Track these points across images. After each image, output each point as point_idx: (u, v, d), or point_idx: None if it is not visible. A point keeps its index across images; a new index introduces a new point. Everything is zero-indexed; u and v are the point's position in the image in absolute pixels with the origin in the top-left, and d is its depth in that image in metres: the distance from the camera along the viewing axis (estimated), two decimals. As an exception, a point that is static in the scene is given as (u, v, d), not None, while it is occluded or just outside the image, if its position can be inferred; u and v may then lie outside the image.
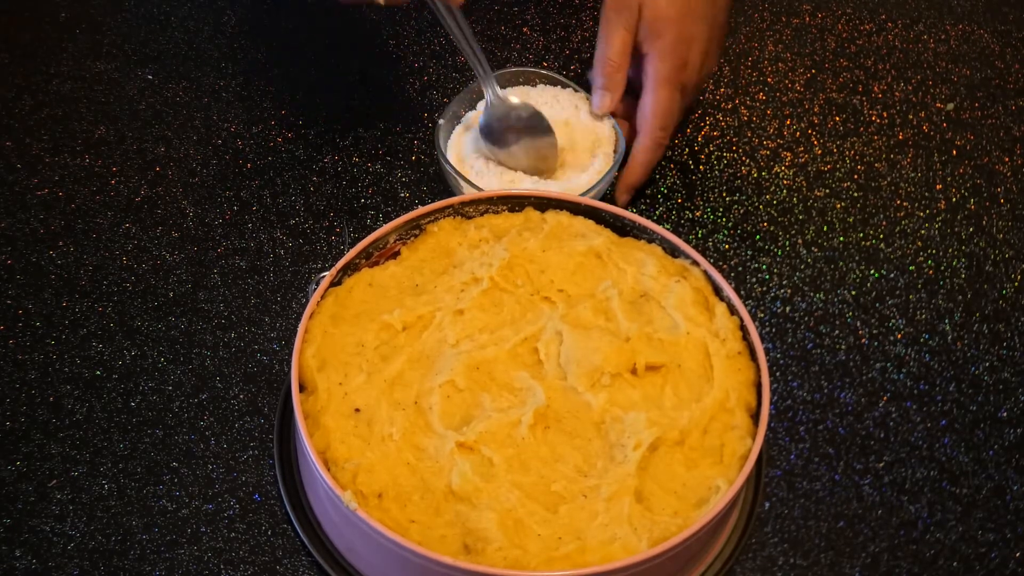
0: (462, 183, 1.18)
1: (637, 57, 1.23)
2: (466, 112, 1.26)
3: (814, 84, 1.40)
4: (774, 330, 1.18)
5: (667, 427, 0.96)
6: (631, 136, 1.24)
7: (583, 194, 1.15)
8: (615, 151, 1.22)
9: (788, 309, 1.19)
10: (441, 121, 1.23)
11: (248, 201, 1.25)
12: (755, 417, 0.99)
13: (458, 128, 1.25)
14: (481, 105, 1.24)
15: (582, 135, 1.23)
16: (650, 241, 1.10)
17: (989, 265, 1.24)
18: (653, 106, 1.21)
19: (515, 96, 1.23)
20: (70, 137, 1.29)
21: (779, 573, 1.03)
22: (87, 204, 1.23)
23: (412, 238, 1.09)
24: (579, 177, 1.21)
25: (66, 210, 1.23)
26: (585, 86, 1.26)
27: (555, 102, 1.26)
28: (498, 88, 1.21)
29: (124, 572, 1.00)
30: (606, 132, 1.24)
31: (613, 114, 1.24)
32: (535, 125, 1.20)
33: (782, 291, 1.21)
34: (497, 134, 1.20)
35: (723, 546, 1.02)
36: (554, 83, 1.27)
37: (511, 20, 1.45)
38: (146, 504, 1.04)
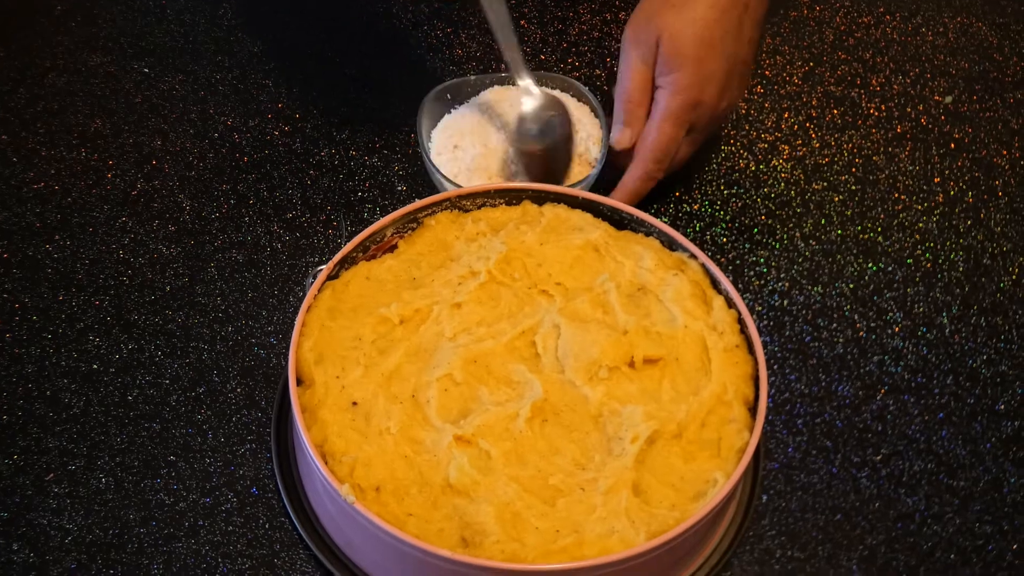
0: (443, 180, 1.18)
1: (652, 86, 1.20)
2: (447, 109, 1.26)
3: (812, 77, 1.40)
4: (772, 323, 1.18)
5: (665, 420, 0.96)
6: (626, 162, 1.22)
7: (576, 185, 1.16)
8: (600, 145, 1.22)
9: (786, 302, 1.19)
10: (423, 111, 1.23)
11: (245, 195, 1.25)
12: (753, 410, 0.99)
13: (441, 124, 1.25)
14: (466, 98, 1.26)
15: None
16: (648, 234, 1.10)
17: (987, 258, 1.24)
18: (654, 141, 1.18)
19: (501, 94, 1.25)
20: (66, 131, 1.29)
21: (776, 566, 1.03)
22: (83, 198, 1.23)
23: (409, 232, 1.09)
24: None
25: (62, 204, 1.23)
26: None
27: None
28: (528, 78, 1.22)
29: (122, 565, 1.00)
30: (589, 127, 1.24)
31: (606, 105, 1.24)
32: (564, 131, 1.21)
33: (780, 284, 1.21)
34: (535, 127, 1.21)
35: (720, 539, 1.02)
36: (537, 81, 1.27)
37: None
38: (144, 498, 1.03)
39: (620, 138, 1.20)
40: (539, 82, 1.25)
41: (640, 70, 1.18)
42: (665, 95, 1.18)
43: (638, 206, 1.22)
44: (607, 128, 1.21)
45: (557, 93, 1.26)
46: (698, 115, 1.19)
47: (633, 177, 1.19)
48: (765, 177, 1.30)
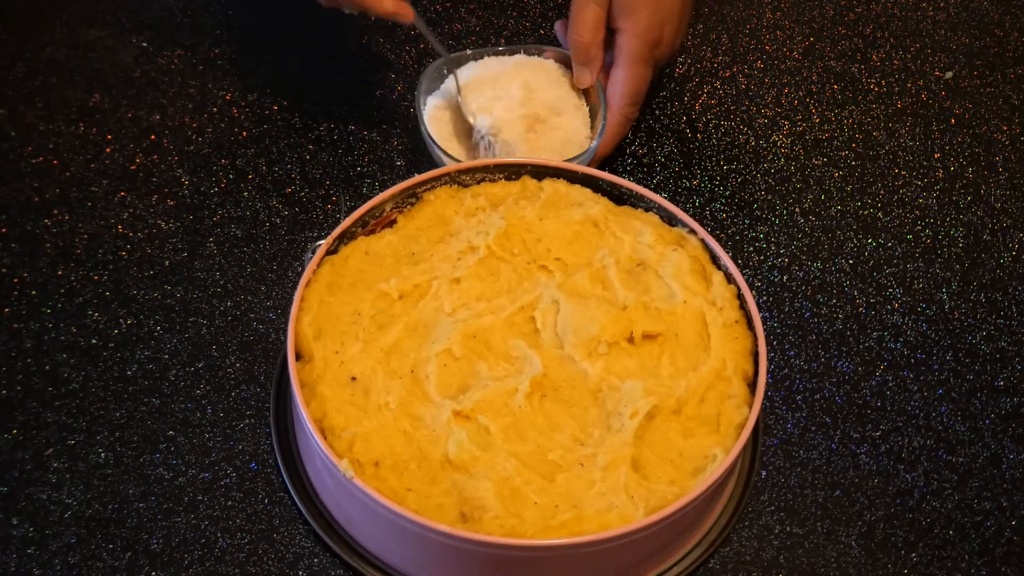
0: (442, 155, 1.18)
1: (610, 30, 1.22)
2: (441, 83, 1.25)
3: (812, 52, 1.40)
4: (771, 299, 1.18)
5: (664, 396, 0.96)
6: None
7: (572, 160, 1.15)
8: (600, 119, 1.22)
9: (785, 278, 1.19)
10: (421, 88, 1.23)
11: (244, 169, 1.24)
12: (752, 386, 0.99)
13: (434, 98, 1.24)
14: (462, 72, 1.25)
15: (565, 104, 1.23)
16: (647, 210, 1.10)
17: (987, 234, 1.24)
18: (625, 84, 1.21)
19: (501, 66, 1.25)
20: (64, 105, 1.29)
21: (775, 542, 1.03)
22: (82, 172, 1.23)
23: (408, 206, 1.09)
24: (561, 146, 1.21)
25: (61, 178, 1.22)
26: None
27: (542, 71, 1.26)
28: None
29: (121, 540, 1.00)
30: (588, 100, 1.24)
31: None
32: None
33: (779, 260, 1.20)
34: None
35: (720, 515, 1.02)
36: (539, 53, 1.27)
37: (508, -13, 1.44)
38: (143, 472, 1.04)
39: (580, 78, 1.23)
40: (539, 55, 1.27)
41: (593, 10, 1.21)
42: (628, 37, 1.21)
43: (637, 178, 1.22)
44: (604, 102, 1.21)
45: (555, 65, 1.26)
46: (660, 52, 1.23)
47: (613, 123, 1.22)
48: (765, 152, 1.29)
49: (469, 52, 1.26)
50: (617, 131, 1.22)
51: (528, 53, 1.27)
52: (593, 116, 1.23)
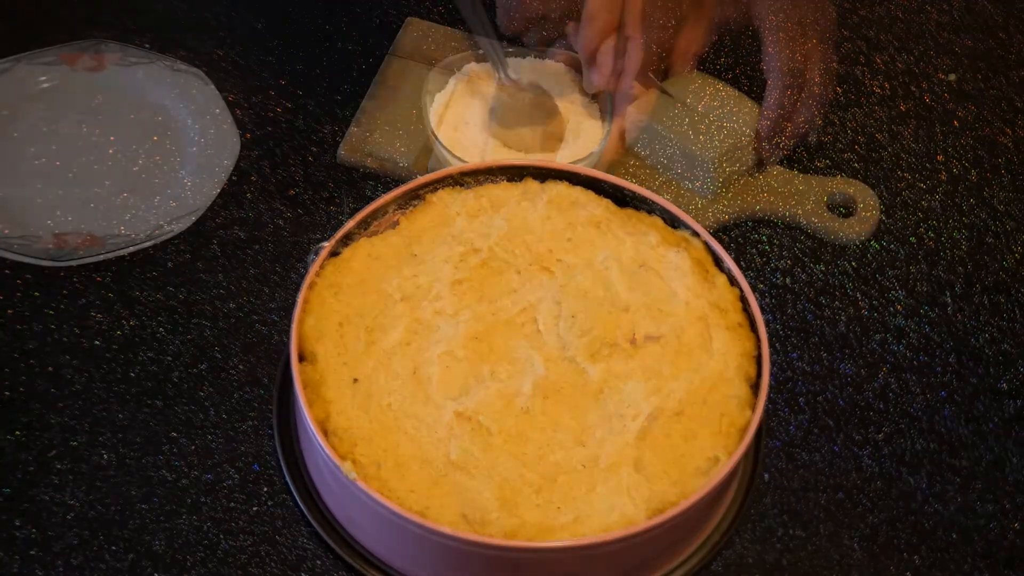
0: (447, 155, 1.18)
1: (622, 36, 1.22)
2: (449, 80, 1.26)
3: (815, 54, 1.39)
4: (774, 301, 1.17)
5: (666, 398, 0.96)
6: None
7: (577, 163, 1.15)
8: (605, 121, 1.22)
9: (788, 280, 1.19)
10: (429, 87, 1.23)
11: (247, 171, 1.24)
12: (755, 388, 0.99)
13: (440, 98, 1.25)
14: (467, 72, 1.27)
15: (574, 109, 1.23)
16: (650, 211, 1.10)
17: (990, 237, 1.24)
18: (632, 91, 1.21)
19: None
20: (66, 105, 1.28)
21: (778, 544, 1.03)
22: (84, 173, 1.23)
23: (411, 208, 1.09)
24: (567, 148, 1.21)
25: (63, 179, 1.22)
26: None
27: (544, 74, 1.26)
28: (508, 71, 1.22)
29: (123, 541, 1.00)
30: (596, 104, 1.24)
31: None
32: (542, 103, 1.22)
33: (782, 262, 1.20)
34: (506, 119, 1.21)
35: (722, 517, 1.02)
36: (542, 56, 1.27)
37: (511, -11, 1.44)
38: (145, 474, 1.04)
39: (588, 84, 1.23)
40: (545, 57, 1.27)
41: (603, 16, 1.19)
42: (636, 44, 1.19)
43: (639, 181, 1.22)
44: (612, 107, 1.21)
45: (562, 68, 1.26)
46: (669, 62, 1.23)
47: (618, 130, 1.22)
48: (768, 154, 1.29)
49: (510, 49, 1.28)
50: (623, 137, 1.22)
51: (539, 56, 1.27)
52: (603, 121, 1.23)
